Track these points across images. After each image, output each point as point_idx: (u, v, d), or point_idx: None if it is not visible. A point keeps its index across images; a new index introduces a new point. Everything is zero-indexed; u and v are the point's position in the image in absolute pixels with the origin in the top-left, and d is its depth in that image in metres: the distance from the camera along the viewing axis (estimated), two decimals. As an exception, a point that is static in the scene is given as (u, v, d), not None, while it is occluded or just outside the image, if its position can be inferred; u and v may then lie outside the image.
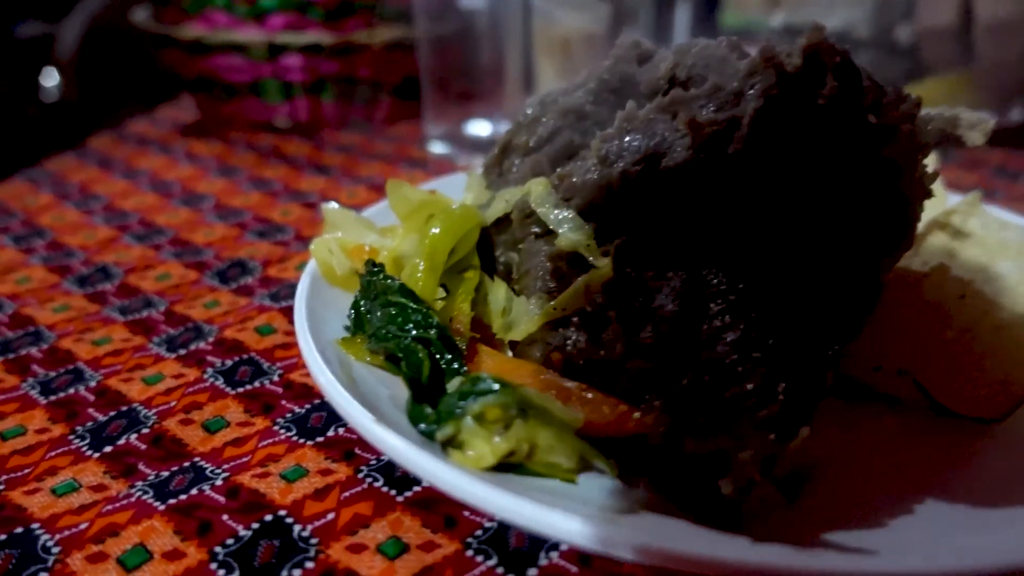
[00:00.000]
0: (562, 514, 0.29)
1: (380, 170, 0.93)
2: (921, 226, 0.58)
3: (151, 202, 0.83)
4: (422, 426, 0.35)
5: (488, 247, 0.53)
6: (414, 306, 0.41)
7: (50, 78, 2.38)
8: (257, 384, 0.49)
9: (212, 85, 1.07)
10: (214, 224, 0.77)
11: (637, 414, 0.35)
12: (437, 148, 0.98)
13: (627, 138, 0.44)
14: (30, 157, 1.03)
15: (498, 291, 0.48)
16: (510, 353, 0.45)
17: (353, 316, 0.45)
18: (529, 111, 0.56)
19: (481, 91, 1.00)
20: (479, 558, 0.35)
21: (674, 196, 0.41)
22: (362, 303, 0.45)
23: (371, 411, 0.36)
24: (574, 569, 0.35)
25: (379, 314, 0.42)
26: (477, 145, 0.98)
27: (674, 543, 0.30)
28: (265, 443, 0.44)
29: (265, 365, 0.51)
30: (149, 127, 1.16)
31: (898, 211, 0.41)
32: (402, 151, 1.00)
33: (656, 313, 0.39)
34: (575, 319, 0.40)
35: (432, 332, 0.40)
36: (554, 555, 0.36)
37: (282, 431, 0.45)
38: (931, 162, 0.61)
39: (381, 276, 0.44)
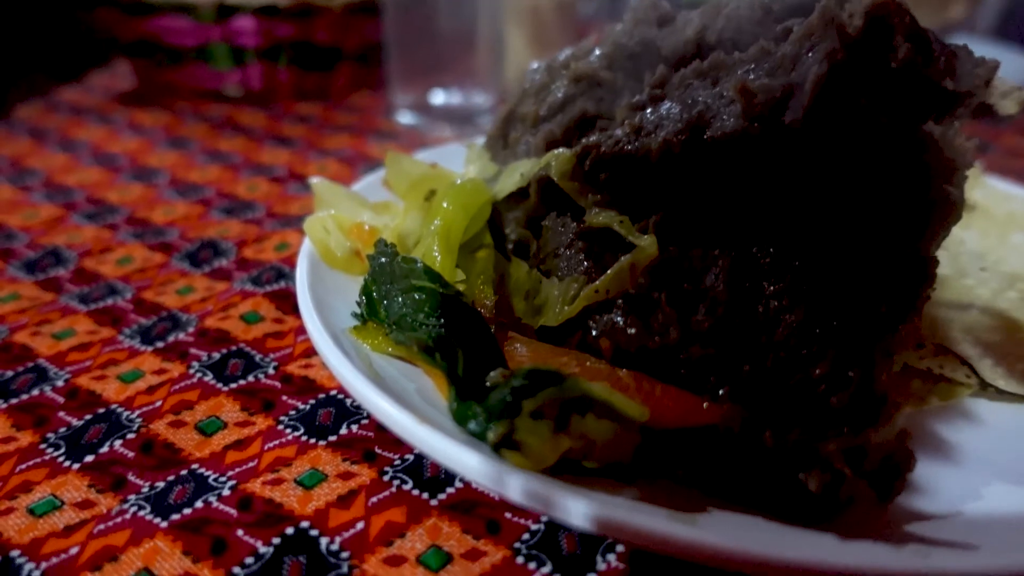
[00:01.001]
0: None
1: (348, 142, 0.87)
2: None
3: (97, 177, 0.76)
4: (472, 425, 0.32)
5: (497, 224, 0.49)
6: (444, 291, 0.37)
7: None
8: (251, 379, 0.45)
9: (154, 50, 0.98)
10: (173, 201, 0.70)
11: (706, 404, 0.32)
12: (405, 118, 0.93)
13: (664, 106, 0.41)
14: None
15: (518, 271, 0.44)
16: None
17: (365, 302, 0.41)
18: (536, 77, 0.53)
19: (449, 59, 0.95)
20: (531, 565, 0.32)
21: (719, 168, 0.38)
22: (374, 288, 0.41)
23: (409, 411, 0.32)
24: (631, 572, 0.32)
25: (400, 300, 0.38)
26: (447, 115, 0.94)
27: (755, 545, 0.27)
28: (271, 445, 0.39)
29: (257, 357, 0.47)
30: (82, 95, 1.06)
31: (942, 184, 0.40)
32: (367, 122, 0.94)
33: (708, 295, 0.36)
34: (620, 302, 0.37)
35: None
36: (611, 557, 0.33)
37: (288, 431, 0.40)
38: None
39: (398, 258, 0.40)
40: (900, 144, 0.37)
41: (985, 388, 0.39)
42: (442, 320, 0.36)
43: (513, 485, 0.29)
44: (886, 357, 0.34)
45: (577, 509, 0.28)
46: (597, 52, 0.50)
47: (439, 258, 0.42)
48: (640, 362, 0.35)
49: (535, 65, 0.53)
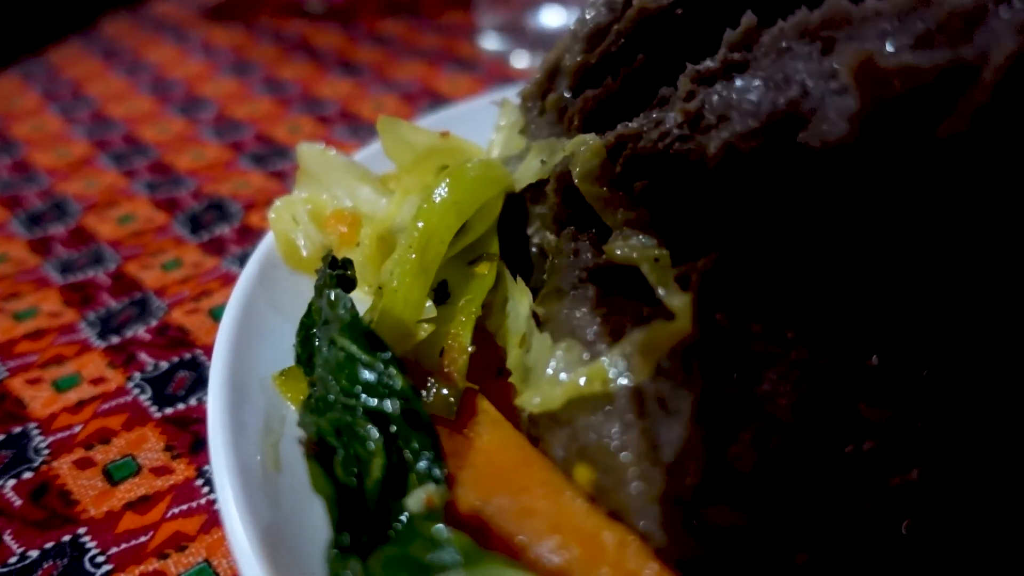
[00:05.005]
0: None
1: (419, 72, 0.75)
2: None
3: (146, 108, 0.70)
4: (347, 596, 0.21)
5: (517, 217, 0.37)
6: (365, 358, 0.26)
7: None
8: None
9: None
10: (207, 142, 0.63)
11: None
12: (490, 43, 0.79)
13: (739, 82, 0.26)
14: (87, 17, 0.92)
15: (521, 302, 0.32)
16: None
17: (301, 338, 0.31)
18: (590, 15, 0.38)
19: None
20: None
21: (812, 195, 0.23)
22: (317, 320, 0.30)
23: (277, 548, 0.22)
24: None
25: (325, 352, 0.28)
26: (543, 41, 0.78)
27: None
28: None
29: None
30: (173, 8, 1.01)
31: None
32: (450, 46, 0.82)
33: (762, 410, 0.22)
34: (625, 402, 0.24)
35: (393, 404, 0.25)
36: None
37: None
38: None
39: (335, 285, 0.29)
40: None
41: None
42: (365, 400, 0.25)
43: None
44: None
45: None
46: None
47: (406, 283, 0.31)
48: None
49: (593, -3, 0.38)
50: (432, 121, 0.45)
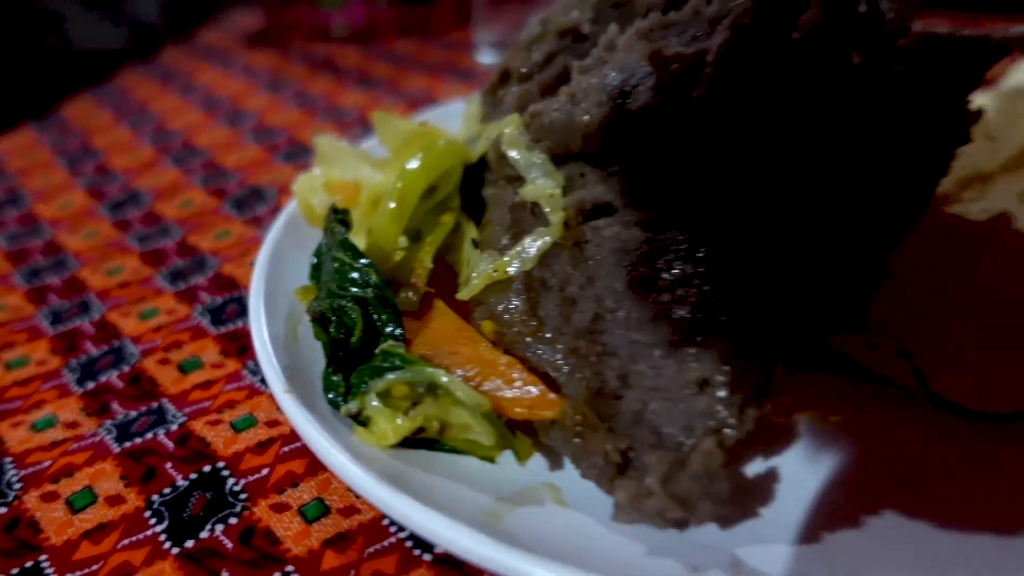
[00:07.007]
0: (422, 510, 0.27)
1: (425, 84, 0.89)
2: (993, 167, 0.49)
3: (198, 121, 0.84)
4: (331, 396, 0.34)
5: (477, 186, 0.49)
6: (351, 263, 0.38)
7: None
8: (240, 324, 0.50)
9: (271, -7, 1.05)
10: (248, 146, 0.77)
11: (552, 396, 0.31)
12: (486, 58, 0.92)
13: (604, 71, 0.38)
14: (108, 68, 1.07)
15: (470, 239, 0.44)
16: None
17: (313, 265, 0.43)
18: (527, 31, 0.50)
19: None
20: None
21: (641, 143, 0.35)
22: (323, 250, 0.43)
23: (293, 375, 0.35)
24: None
25: (327, 267, 0.40)
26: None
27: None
28: (229, 387, 0.44)
29: (250, 301, 0.52)
30: (220, 36, 1.16)
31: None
32: (452, 61, 0.95)
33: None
34: (519, 284, 0.36)
35: (369, 291, 0.37)
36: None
37: (248, 375, 0.45)
38: None
39: (336, 223, 0.42)
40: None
41: (936, 403, 0.34)
42: (352, 290, 0.38)
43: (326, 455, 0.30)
44: (767, 369, 0.30)
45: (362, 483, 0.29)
46: (584, 3, 0.47)
47: (386, 221, 0.43)
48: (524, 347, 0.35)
49: (533, 17, 0.51)
50: (420, 118, 0.57)
